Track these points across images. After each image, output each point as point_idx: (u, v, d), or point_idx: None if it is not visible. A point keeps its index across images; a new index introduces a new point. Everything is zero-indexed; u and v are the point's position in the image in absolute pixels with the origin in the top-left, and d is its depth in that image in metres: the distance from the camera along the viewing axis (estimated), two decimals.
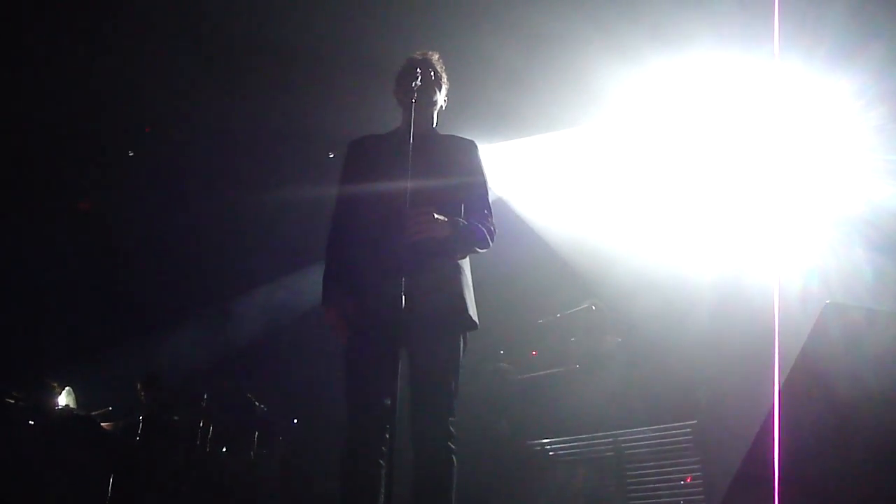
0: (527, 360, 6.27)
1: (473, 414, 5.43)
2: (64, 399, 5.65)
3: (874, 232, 4.90)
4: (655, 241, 5.82)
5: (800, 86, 5.14)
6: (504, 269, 5.70)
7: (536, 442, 5.75)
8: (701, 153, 5.86)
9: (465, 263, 3.26)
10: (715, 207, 5.67)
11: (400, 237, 2.96)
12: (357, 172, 3.33)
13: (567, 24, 5.27)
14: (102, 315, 6.99)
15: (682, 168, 5.97)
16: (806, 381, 2.84)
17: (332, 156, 6.75)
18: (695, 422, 5.07)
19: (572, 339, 5.96)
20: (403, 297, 2.83)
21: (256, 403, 5.75)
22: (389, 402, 2.95)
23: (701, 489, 4.93)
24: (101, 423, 5.57)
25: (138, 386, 5.67)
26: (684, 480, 5.02)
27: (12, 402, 5.35)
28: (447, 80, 3.42)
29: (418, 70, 3.20)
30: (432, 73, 3.31)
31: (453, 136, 3.44)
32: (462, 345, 3.17)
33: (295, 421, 6.24)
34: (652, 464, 5.16)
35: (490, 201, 3.38)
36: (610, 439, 5.36)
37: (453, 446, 3.05)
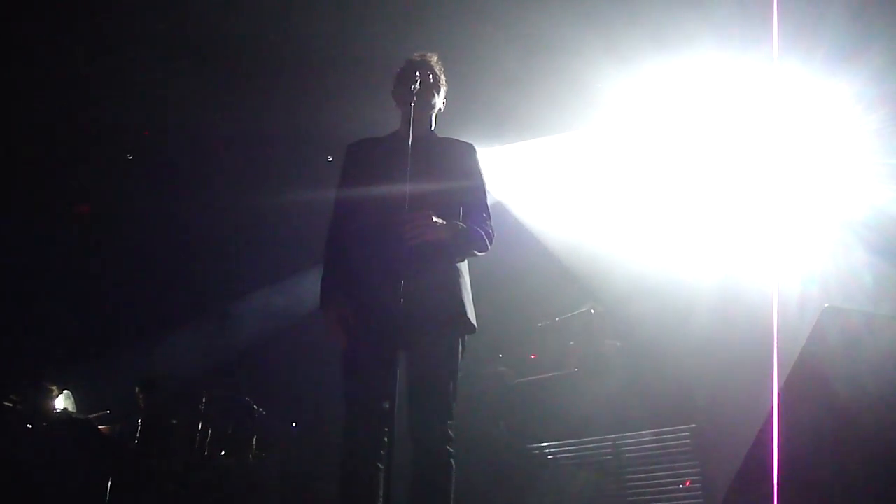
0: (526, 363, 6.27)
1: (472, 417, 5.42)
2: (62, 402, 5.64)
3: (873, 236, 4.90)
4: (654, 245, 5.82)
5: (799, 89, 5.14)
6: (503, 272, 5.70)
7: (535, 445, 5.74)
8: (700, 157, 5.86)
9: (464, 266, 3.26)
10: (714, 211, 5.66)
11: (398, 240, 2.96)
12: (356, 175, 3.33)
13: (566, 28, 5.27)
14: (101, 318, 6.98)
15: (680, 172, 5.97)
16: (804, 385, 2.83)
17: (330, 159, 6.75)
18: (693, 425, 5.07)
19: (571, 343, 5.96)
20: (402, 301, 2.83)
21: (255, 407, 5.74)
22: (388, 406, 2.96)
23: (700, 493, 4.92)
24: (99, 426, 5.56)
25: (137, 389, 5.66)
26: (683, 484, 5.01)
27: (10, 405, 5.34)
28: (446, 81, 3.42)
29: (417, 74, 3.20)
30: (431, 76, 3.31)
31: (452, 139, 3.43)
32: (461, 348, 3.17)
33: (294, 425, 6.23)
34: (651, 467, 5.15)
35: (488, 204, 3.37)
36: (609, 443, 5.35)
37: (452, 449, 3.05)
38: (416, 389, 3.07)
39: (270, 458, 5.75)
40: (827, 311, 2.94)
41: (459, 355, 3.16)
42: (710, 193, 5.74)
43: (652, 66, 5.43)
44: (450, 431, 3.05)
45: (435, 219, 3.05)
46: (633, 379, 5.49)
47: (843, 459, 2.71)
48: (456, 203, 3.26)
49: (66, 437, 5.36)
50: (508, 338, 6.35)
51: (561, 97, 5.80)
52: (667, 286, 5.42)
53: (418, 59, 3.37)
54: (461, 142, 3.42)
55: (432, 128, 3.43)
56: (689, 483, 4.98)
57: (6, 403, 5.34)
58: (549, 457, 5.66)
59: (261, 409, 5.75)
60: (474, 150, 3.40)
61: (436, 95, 3.36)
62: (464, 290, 3.19)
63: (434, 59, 3.40)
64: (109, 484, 5.11)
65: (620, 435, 5.32)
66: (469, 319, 3.17)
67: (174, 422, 5.55)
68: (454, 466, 3.05)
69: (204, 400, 5.44)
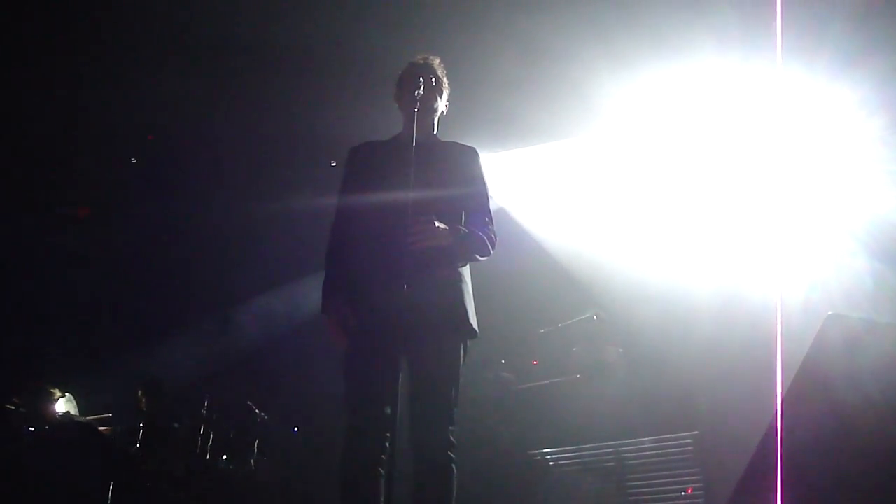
0: (528, 369, 6.26)
1: (474, 423, 5.42)
2: (64, 406, 5.64)
3: (876, 243, 4.89)
4: (657, 252, 5.81)
5: (802, 95, 5.13)
6: (505, 278, 5.70)
7: (537, 451, 5.73)
8: (703, 163, 5.85)
9: (466, 271, 3.25)
10: (717, 217, 5.66)
11: (401, 245, 2.96)
12: (358, 179, 3.32)
13: (568, 33, 5.27)
14: (103, 322, 6.98)
15: (683, 178, 5.96)
16: (808, 393, 2.82)
17: (334, 164, 6.75)
18: (696, 432, 5.06)
19: (574, 349, 5.95)
20: (404, 305, 2.83)
21: (257, 411, 5.74)
22: (389, 411, 2.95)
23: (702, 500, 4.91)
24: (100, 428, 5.56)
25: (139, 393, 5.66)
26: (685, 491, 5.00)
27: (12, 408, 5.35)
28: (448, 84, 3.41)
29: (421, 79, 3.20)
30: (433, 79, 3.30)
31: (454, 142, 3.42)
32: (462, 353, 3.16)
33: (295, 429, 6.23)
34: (653, 474, 5.15)
35: (491, 209, 3.36)
36: (611, 449, 5.35)
37: (453, 455, 3.04)
38: (418, 394, 3.07)
39: (272, 462, 5.76)
40: (830, 319, 2.93)
41: (461, 360, 3.16)
42: (713, 200, 5.73)
43: (654, 72, 5.43)
44: (451, 437, 3.04)
45: (437, 224, 3.05)
46: (635, 385, 5.48)
47: (847, 467, 2.70)
48: (458, 207, 3.25)
49: (68, 441, 5.37)
50: (510, 344, 6.34)
51: (563, 103, 5.80)
52: (669, 293, 5.41)
53: (421, 61, 3.36)
54: (464, 145, 3.41)
55: (434, 131, 3.42)
56: (692, 490, 4.98)
57: (8, 406, 5.34)
58: (551, 463, 5.66)
59: (262, 414, 5.75)
60: (477, 153, 3.39)
61: (438, 99, 3.35)
62: (465, 295, 3.19)
63: (437, 61, 3.39)
64: (111, 487, 5.11)
65: (622, 441, 5.32)
66: (471, 324, 3.15)
67: (176, 426, 5.55)
68: (456, 472, 3.04)
69: (206, 404, 5.45)
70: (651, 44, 5.22)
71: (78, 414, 5.73)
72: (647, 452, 5.22)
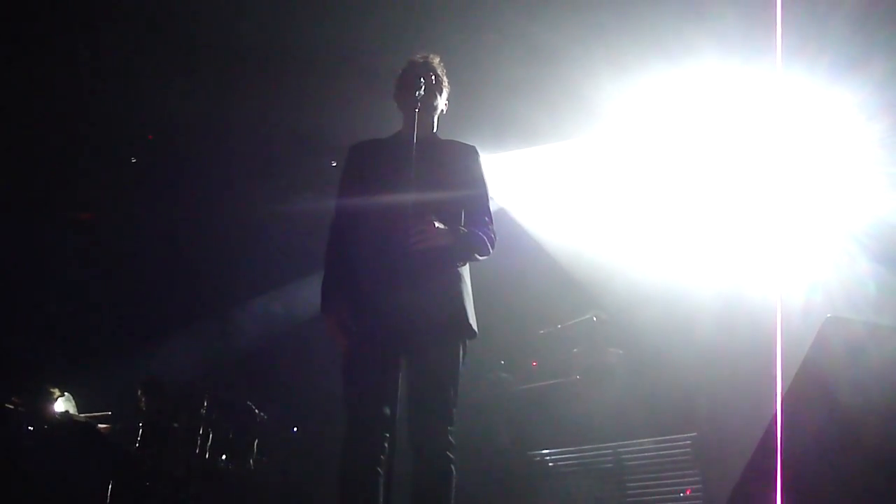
0: (527, 370, 6.26)
1: (473, 424, 5.41)
2: (63, 405, 5.64)
3: (876, 245, 4.90)
4: (657, 253, 5.81)
5: (802, 98, 5.14)
6: (505, 279, 5.70)
7: (536, 452, 5.74)
8: (703, 165, 5.86)
9: (465, 271, 3.24)
10: (717, 219, 5.66)
11: (400, 245, 2.96)
12: (358, 178, 3.32)
13: (569, 36, 5.28)
14: (103, 322, 6.98)
15: (684, 180, 5.97)
16: (807, 394, 2.83)
17: (334, 164, 6.75)
18: (695, 434, 5.07)
19: (574, 350, 5.96)
20: (404, 306, 2.83)
21: (256, 411, 5.74)
22: (389, 411, 2.95)
23: (701, 501, 4.91)
24: (99, 427, 5.56)
25: (139, 392, 5.65)
26: (684, 492, 5.01)
27: (12, 407, 5.35)
28: (448, 83, 3.40)
29: (422, 79, 3.20)
30: (434, 78, 3.30)
31: (454, 141, 3.42)
32: (462, 353, 3.16)
33: (295, 429, 6.23)
34: (652, 475, 5.15)
35: (490, 208, 3.36)
36: (610, 451, 5.35)
37: (452, 456, 3.04)
38: (417, 395, 3.07)
39: (271, 462, 5.75)
40: (829, 321, 2.94)
41: (461, 360, 3.15)
42: (713, 202, 5.74)
43: (655, 75, 5.43)
44: (450, 437, 3.05)
45: (437, 224, 3.05)
46: (635, 387, 5.48)
47: (846, 469, 2.71)
48: (458, 206, 3.25)
49: (67, 440, 5.36)
50: (510, 345, 6.34)
51: (564, 105, 5.80)
52: (669, 294, 5.41)
53: (421, 60, 3.36)
54: (464, 144, 3.40)
55: (434, 129, 3.41)
56: (691, 491, 4.98)
57: (7, 406, 5.34)
58: (550, 464, 5.66)
59: (262, 414, 5.75)
60: (477, 152, 3.39)
61: (438, 97, 3.35)
62: (465, 295, 3.18)
63: (436, 60, 3.39)
64: (110, 487, 5.11)
65: (622, 443, 5.32)
66: (470, 324, 3.15)
67: (175, 425, 5.54)
68: (455, 473, 3.04)
69: (205, 404, 5.45)
70: (652, 46, 5.23)
71: (77, 413, 5.73)
72: (647, 454, 5.22)
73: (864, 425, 2.73)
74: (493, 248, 3.27)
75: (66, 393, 5.70)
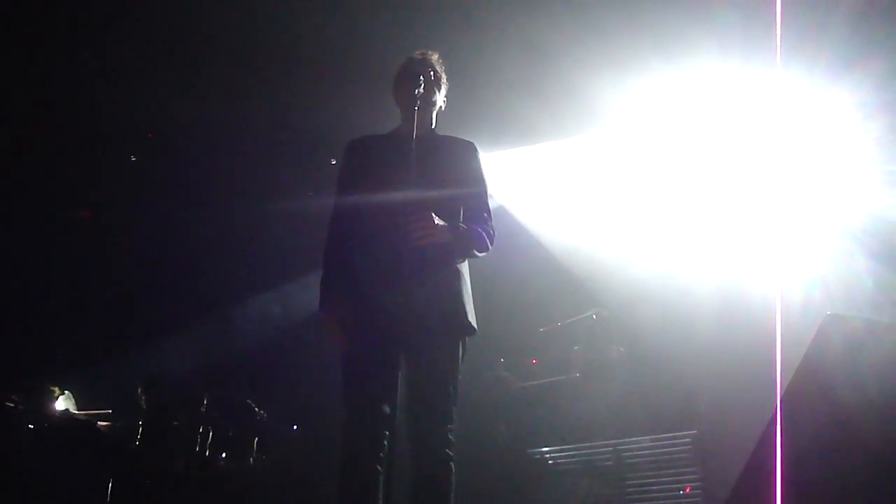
0: (527, 368, 6.27)
1: (473, 422, 5.42)
2: (63, 403, 5.64)
3: (875, 242, 4.91)
4: (657, 251, 5.82)
5: (801, 97, 5.15)
6: (505, 276, 5.71)
7: (536, 450, 5.74)
8: (702, 163, 5.87)
9: (464, 268, 3.24)
10: (717, 217, 5.67)
11: (399, 242, 2.96)
12: (356, 174, 3.31)
13: (568, 34, 5.28)
14: (103, 320, 6.98)
15: (683, 178, 5.98)
16: (807, 392, 2.84)
17: (333, 162, 6.75)
18: (695, 431, 5.07)
19: (575, 348, 5.96)
20: (403, 303, 2.83)
21: (256, 409, 5.74)
22: (388, 409, 2.96)
23: (700, 499, 4.92)
24: (99, 425, 5.56)
25: (139, 390, 5.66)
26: (684, 490, 5.01)
27: (11, 406, 5.35)
28: (446, 80, 3.39)
29: (421, 77, 3.20)
30: (432, 74, 3.29)
31: (453, 137, 3.41)
32: (461, 350, 3.16)
33: (295, 427, 6.24)
34: (652, 473, 5.15)
35: (489, 204, 3.36)
36: (610, 448, 5.35)
37: (452, 454, 3.04)
38: (416, 392, 3.06)
39: (271, 460, 5.76)
40: (829, 319, 2.95)
41: (460, 358, 3.15)
42: (713, 200, 5.75)
43: (655, 73, 5.44)
44: (450, 435, 3.04)
45: (436, 220, 3.04)
46: (634, 384, 5.49)
47: (846, 466, 2.72)
48: (457, 203, 3.24)
49: (67, 439, 5.36)
50: (510, 343, 6.35)
51: (563, 103, 5.81)
52: (669, 292, 5.42)
53: (419, 57, 3.35)
54: (462, 140, 3.39)
55: (433, 125, 3.40)
56: (690, 489, 4.99)
57: (7, 404, 5.34)
58: (550, 462, 5.66)
59: (262, 412, 5.75)
60: (475, 148, 3.38)
61: (437, 93, 3.34)
62: (464, 292, 3.18)
63: (435, 56, 3.38)
64: (110, 485, 5.11)
65: (622, 440, 5.33)
66: (469, 321, 3.15)
67: (175, 423, 5.54)
68: (454, 470, 3.04)
69: (205, 402, 5.45)
70: (650, 44, 5.23)
71: (77, 411, 5.73)
72: (646, 451, 5.22)
73: (864, 422, 2.73)
74: (492, 244, 3.26)
75: (66, 391, 5.70)
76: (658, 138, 6.09)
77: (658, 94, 5.66)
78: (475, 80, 5.49)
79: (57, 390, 5.64)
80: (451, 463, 3.04)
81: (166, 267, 7.15)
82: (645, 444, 5.24)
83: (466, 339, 3.20)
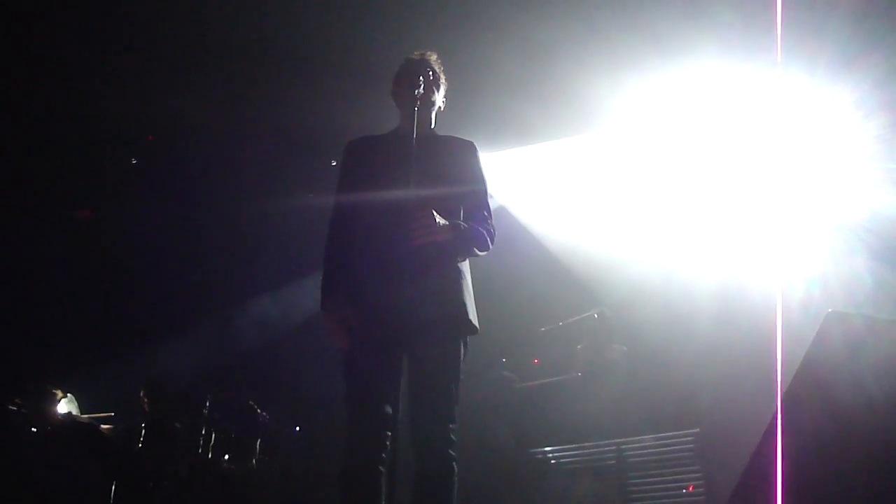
0: (529, 367, 6.27)
1: (475, 421, 5.43)
2: (65, 406, 5.65)
3: (875, 240, 4.92)
4: (658, 250, 5.83)
5: (801, 95, 5.16)
6: (507, 276, 5.72)
7: (538, 450, 5.74)
8: (703, 162, 5.87)
9: (465, 267, 3.24)
10: (717, 216, 5.68)
11: (400, 241, 2.96)
12: (356, 174, 3.30)
13: (569, 33, 5.29)
14: (104, 322, 6.99)
15: (684, 176, 5.98)
16: (808, 389, 2.84)
17: (334, 164, 6.76)
18: (697, 430, 5.07)
19: (578, 347, 5.97)
20: (404, 302, 2.83)
21: (258, 411, 5.75)
22: (390, 409, 2.96)
23: (703, 498, 4.92)
24: (102, 426, 5.57)
25: (141, 393, 5.67)
26: (686, 489, 5.01)
27: (14, 409, 5.36)
28: (445, 80, 3.39)
29: (421, 78, 3.20)
30: (431, 74, 3.29)
31: (452, 137, 3.40)
32: (463, 349, 3.16)
33: (297, 429, 6.24)
34: (654, 472, 5.15)
35: (489, 203, 3.35)
36: (612, 447, 5.35)
37: (454, 453, 3.02)
38: (418, 392, 3.06)
39: (274, 461, 5.76)
40: (830, 316, 2.94)
41: (461, 357, 3.14)
42: (713, 199, 5.75)
43: (655, 72, 5.45)
44: (452, 435, 3.03)
45: (438, 218, 3.05)
46: (636, 383, 5.49)
47: (847, 464, 2.71)
48: (457, 202, 3.23)
49: (70, 441, 5.37)
50: (511, 342, 6.35)
51: (564, 102, 5.82)
52: (670, 291, 5.43)
53: (417, 57, 3.35)
54: (462, 140, 3.39)
55: (432, 125, 3.40)
56: (693, 488, 4.98)
57: (10, 407, 5.35)
58: (552, 461, 5.67)
59: (264, 413, 5.76)
60: (475, 148, 3.38)
61: (436, 93, 3.34)
62: (465, 291, 3.17)
63: (433, 57, 3.37)
64: (113, 488, 5.12)
65: (624, 439, 5.33)
66: (470, 320, 3.14)
67: (178, 425, 5.55)
68: (456, 470, 3.03)
69: (208, 404, 5.46)
70: (652, 44, 5.24)
71: (80, 414, 5.74)
72: (649, 450, 5.22)
73: (865, 421, 2.73)
74: (492, 243, 3.26)
75: (68, 394, 5.71)
76: (658, 137, 6.09)
77: (658, 93, 5.66)
78: (475, 80, 5.50)
79: (59, 393, 5.65)
80: (454, 463, 3.03)
81: (168, 269, 7.16)
82: (647, 443, 5.24)
83: (468, 338, 3.20)
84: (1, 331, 6.43)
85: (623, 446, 5.32)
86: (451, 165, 3.29)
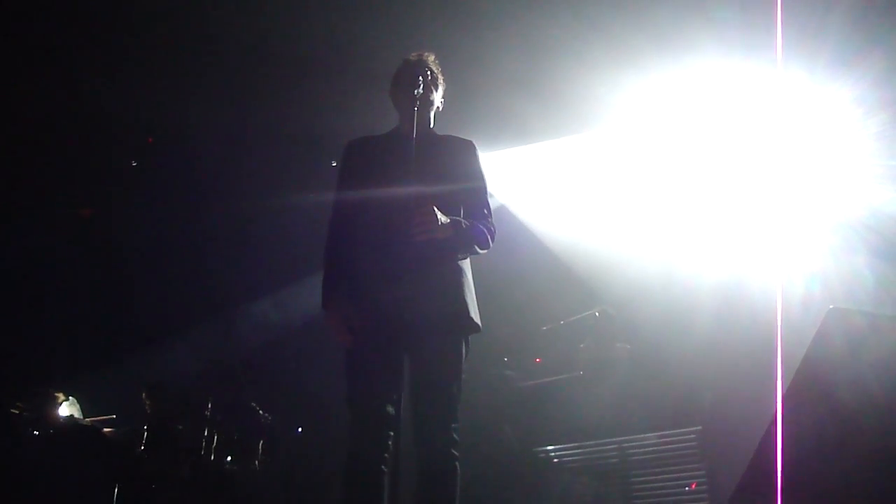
0: (531, 366, 6.27)
1: (477, 420, 5.43)
2: (67, 409, 5.66)
3: (875, 237, 4.92)
4: (659, 248, 5.83)
5: (801, 93, 5.16)
6: (508, 275, 5.72)
7: (540, 448, 5.75)
8: (703, 160, 5.88)
9: (466, 265, 3.24)
10: (718, 213, 5.68)
11: (401, 240, 2.97)
12: (356, 174, 3.31)
13: (569, 32, 5.29)
14: (106, 324, 7.00)
15: (685, 174, 5.98)
16: (809, 387, 2.84)
17: (334, 164, 6.76)
18: (699, 428, 5.08)
19: (581, 345, 5.97)
20: (405, 301, 2.83)
21: (261, 412, 5.75)
22: (392, 408, 2.96)
23: (705, 495, 4.93)
24: (104, 429, 5.57)
25: (143, 395, 5.67)
26: (689, 487, 5.02)
27: (16, 412, 5.36)
28: (443, 80, 3.39)
29: (420, 78, 3.21)
30: (430, 74, 3.30)
31: (452, 136, 3.41)
32: (465, 349, 3.16)
33: (299, 430, 6.25)
34: (656, 470, 5.16)
35: (489, 202, 3.36)
36: (614, 446, 5.36)
37: (456, 453, 3.03)
38: (420, 391, 3.06)
39: (276, 463, 5.77)
40: (831, 313, 2.95)
41: (464, 356, 3.14)
42: (714, 196, 5.76)
43: (655, 70, 5.45)
44: (454, 434, 3.03)
45: (439, 215, 3.04)
46: (638, 382, 5.49)
47: (848, 462, 2.71)
48: (457, 201, 3.23)
49: (72, 444, 5.38)
50: (513, 341, 6.35)
51: (564, 101, 5.81)
52: (671, 288, 5.42)
53: (415, 58, 3.35)
54: (461, 139, 3.40)
55: (431, 125, 3.40)
56: (695, 486, 4.99)
57: (12, 410, 5.36)
58: (555, 460, 5.68)
59: (266, 415, 5.76)
60: (474, 147, 3.38)
61: (435, 93, 3.34)
62: (466, 290, 3.17)
63: (431, 57, 3.38)
64: (116, 490, 5.13)
65: (626, 438, 5.34)
66: (472, 319, 3.14)
67: (180, 427, 5.56)
68: (459, 469, 3.03)
69: (210, 405, 5.46)
70: (652, 42, 5.24)
71: (82, 417, 5.75)
72: (651, 448, 5.23)
73: (866, 418, 2.73)
74: (492, 241, 3.26)
75: (70, 397, 5.72)
76: (659, 135, 6.09)
77: (658, 92, 5.66)
78: (475, 80, 5.50)
79: (61, 396, 5.66)
80: (456, 462, 3.03)
81: (171, 271, 7.16)
82: (649, 441, 5.24)
83: (470, 337, 3.20)
84: (3, 333, 6.44)
85: (625, 444, 5.33)
86: (451, 164, 3.29)
